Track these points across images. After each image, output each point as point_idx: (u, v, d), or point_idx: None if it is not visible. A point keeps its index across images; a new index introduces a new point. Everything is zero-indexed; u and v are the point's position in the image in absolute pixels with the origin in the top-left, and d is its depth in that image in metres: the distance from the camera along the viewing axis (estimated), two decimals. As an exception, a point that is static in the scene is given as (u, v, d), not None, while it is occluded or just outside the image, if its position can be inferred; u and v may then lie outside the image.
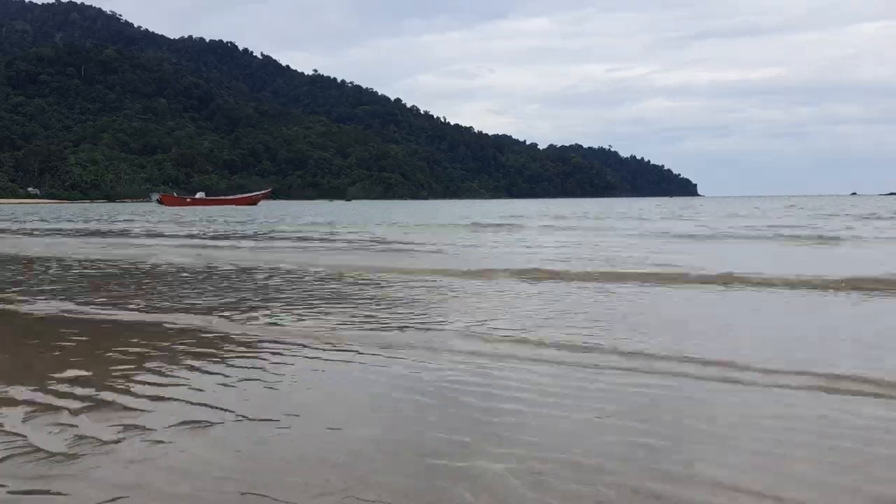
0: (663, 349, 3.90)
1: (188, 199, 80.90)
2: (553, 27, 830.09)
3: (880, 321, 5.12)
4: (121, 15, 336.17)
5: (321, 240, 15.81)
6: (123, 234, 19.39)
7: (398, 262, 9.76)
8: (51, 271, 8.87)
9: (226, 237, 17.41)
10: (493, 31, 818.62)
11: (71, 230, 21.46)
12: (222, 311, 5.41)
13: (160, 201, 77.61)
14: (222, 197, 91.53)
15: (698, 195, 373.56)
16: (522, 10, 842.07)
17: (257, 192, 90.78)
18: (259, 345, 4.20)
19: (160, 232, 20.20)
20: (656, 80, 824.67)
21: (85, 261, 10.41)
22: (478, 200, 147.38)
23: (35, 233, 20.17)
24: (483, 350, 3.98)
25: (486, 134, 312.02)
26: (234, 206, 70.00)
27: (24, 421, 2.75)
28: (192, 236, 17.68)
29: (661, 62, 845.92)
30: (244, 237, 17.34)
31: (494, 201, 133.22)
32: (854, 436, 2.54)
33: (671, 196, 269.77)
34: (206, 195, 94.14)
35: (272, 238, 16.87)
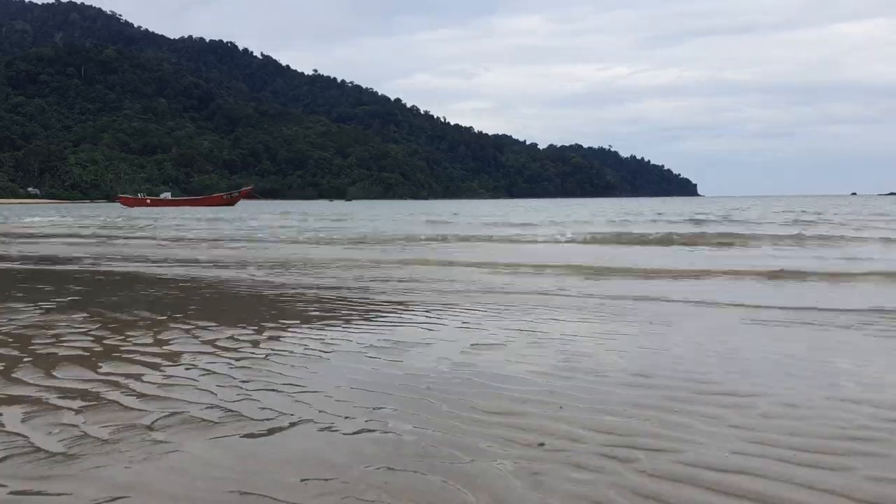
0: None
1: (148, 200, 76.01)
2: (547, 25, 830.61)
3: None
4: (121, 15, 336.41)
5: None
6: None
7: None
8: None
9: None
10: (485, 28, 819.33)
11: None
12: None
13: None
14: (190, 197, 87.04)
15: (698, 195, 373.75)
16: (508, 7, 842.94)
17: (234, 191, 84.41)
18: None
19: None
20: (654, 79, 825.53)
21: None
22: (481, 201, 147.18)
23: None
24: None
25: (486, 134, 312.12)
26: (204, 207, 66.22)
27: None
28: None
29: (659, 60, 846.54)
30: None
31: (496, 201, 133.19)
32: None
33: (671, 196, 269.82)
34: (205, 195, 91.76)
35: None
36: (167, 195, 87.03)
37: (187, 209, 61.10)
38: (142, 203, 72.53)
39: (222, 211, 52.29)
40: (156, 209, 61.20)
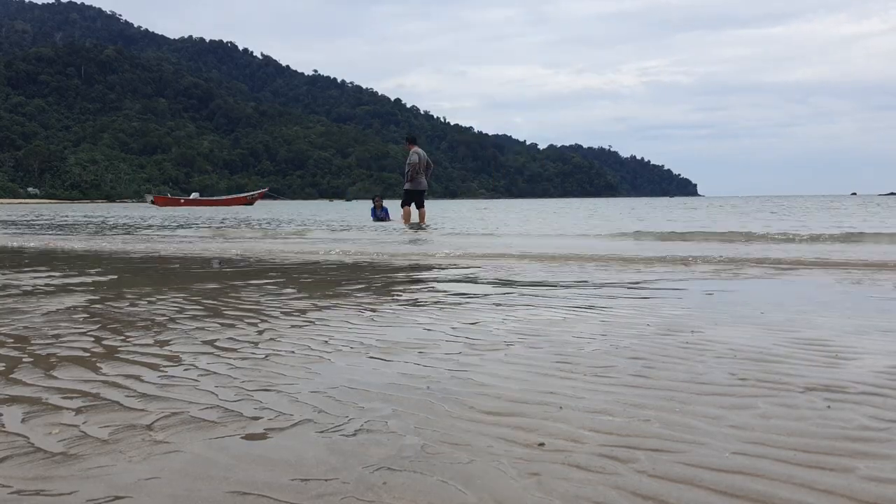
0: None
1: (182, 200, 79.40)
2: (528, 17, 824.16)
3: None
4: (121, 15, 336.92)
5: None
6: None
7: None
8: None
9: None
10: (465, 21, 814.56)
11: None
12: None
13: (153, 202, 75.89)
14: (215, 198, 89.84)
15: (698, 195, 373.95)
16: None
17: (253, 192, 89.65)
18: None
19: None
20: (654, 78, 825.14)
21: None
22: (484, 201, 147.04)
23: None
24: None
25: (486, 134, 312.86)
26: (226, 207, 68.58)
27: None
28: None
29: (657, 59, 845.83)
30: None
31: (496, 201, 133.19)
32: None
33: (671, 196, 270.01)
34: (205, 196, 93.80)
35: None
36: (196, 195, 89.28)
37: (222, 208, 62.62)
38: (175, 203, 74.61)
39: (245, 210, 52.98)
40: (195, 208, 63.62)
